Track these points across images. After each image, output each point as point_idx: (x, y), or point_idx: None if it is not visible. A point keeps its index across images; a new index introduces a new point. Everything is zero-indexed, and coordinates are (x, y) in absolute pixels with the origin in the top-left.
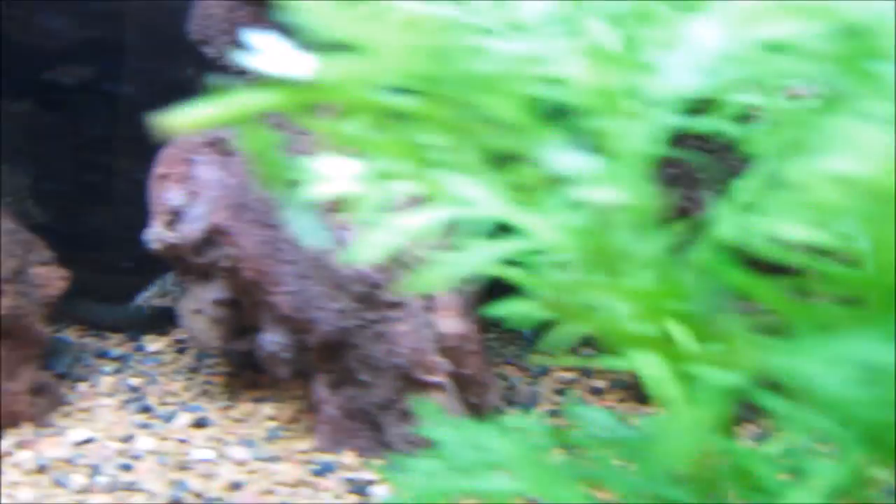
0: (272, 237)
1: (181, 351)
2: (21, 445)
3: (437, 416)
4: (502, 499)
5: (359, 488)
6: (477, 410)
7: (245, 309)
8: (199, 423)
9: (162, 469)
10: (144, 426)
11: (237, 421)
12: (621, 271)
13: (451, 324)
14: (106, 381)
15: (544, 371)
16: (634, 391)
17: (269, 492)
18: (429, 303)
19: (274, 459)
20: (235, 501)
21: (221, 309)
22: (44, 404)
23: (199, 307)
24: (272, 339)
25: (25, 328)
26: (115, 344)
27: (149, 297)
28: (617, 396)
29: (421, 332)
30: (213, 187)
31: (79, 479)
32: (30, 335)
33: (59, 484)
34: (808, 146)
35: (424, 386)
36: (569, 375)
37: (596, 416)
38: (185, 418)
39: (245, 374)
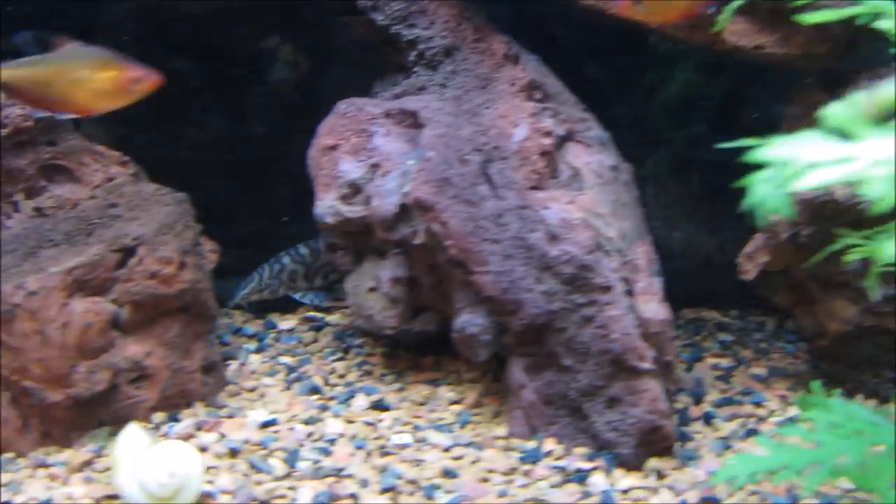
0: (474, 214)
1: (317, 329)
2: (201, 427)
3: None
4: None
5: (577, 477)
6: (669, 399)
7: (422, 288)
8: (379, 406)
9: (362, 454)
10: (324, 408)
11: (419, 404)
12: None
13: (654, 309)
14: (255, 360)
15: (697, 357)
16: (797, 379)
17: (485, 480)
18: (628, 287)
19: (474, 446)
20: (454, 489)
21: (399, 288)
22: (213, 383)
23: (374, 285)
24: (473, 321)
25: (202, 303)
26: (244, 321)
27: (247, 295)
28: (785, 385)
29: (628, 317)
30: (400, 160)
31: (276, 464)
32: (205, 311)
33: (257, 469)
34: None
35: (636, 373)
36: (724, 362)
37: (852, 411)
38: (362, 400)
39: (402, 355)
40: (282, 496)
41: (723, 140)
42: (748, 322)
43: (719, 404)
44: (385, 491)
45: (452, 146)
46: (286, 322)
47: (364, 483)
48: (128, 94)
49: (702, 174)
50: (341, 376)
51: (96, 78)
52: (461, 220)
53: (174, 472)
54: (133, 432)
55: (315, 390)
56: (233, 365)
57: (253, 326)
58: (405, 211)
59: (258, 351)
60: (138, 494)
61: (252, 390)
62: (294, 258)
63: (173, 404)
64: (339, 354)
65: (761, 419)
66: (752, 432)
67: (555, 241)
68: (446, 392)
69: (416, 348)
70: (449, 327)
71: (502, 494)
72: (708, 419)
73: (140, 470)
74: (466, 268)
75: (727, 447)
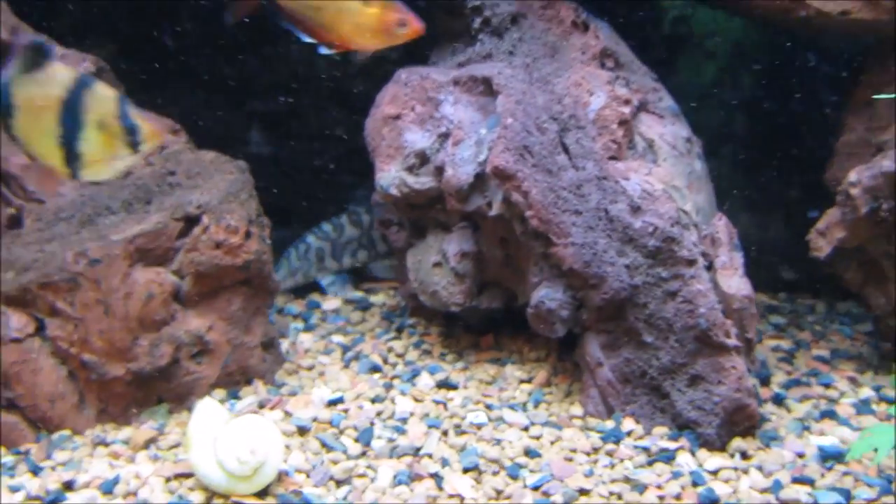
0: (554, 184)
1: (364, 309)
2: (264, 405)
3: None
4: None
5: (664, 457)
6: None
7: (489, 263)
8: (446, 385)
9: (438, 433)
10: (388, 387)
11: (487, 383)
12: None
13: (736, 284)
14: (306, 339)
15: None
16: (861, 361)
17: (568, 459)
18: (707, 262)
19: (552, 425)
20: (539, 469)
21: (466, 262)
22: (271, 360)
23: (439, 260)
24: (551, 296)
25: (264, 276)
26: (286, 301)
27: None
28: (851, 366)
29: (713, 292)
30: (471, 129)
31: (349, 442)
32: (265, 284)
33: (329, 448)
34: None
35: (722, 349)
36: (784, 344)
37: None
38: (427, 379)
39: (460, 335)
40: (361, 475)
41: (750, 126)
42: (797, 305)
43: (787, 386)
44: (468, 470)
45: (530, 114)
46: (330, 302)
47: (444, 462)
48: (390, 35)
49: (732, 156)
50: (399, 355)
51: (363, 12)
52: (542, 190)
53: (255, 449)
54: (208, 406)
55: (375, 369)
56: (284, 344)
57: (296, 306)
58: (480, 181)
59: (307, 330)
60: (215, 472)
61: (310, 368)
62: (318, 236)
63: (234, 381)
64: (393, 334)
65: (833, 401)
66: (827, 414)
67: (638, 212)
68: (514, 371)
69: (477, 327)
70: (514, 305)
71: (589, 475)
72: (779, 400)
73: (218, 446)
74: (547, 239)
75: (805, 428)
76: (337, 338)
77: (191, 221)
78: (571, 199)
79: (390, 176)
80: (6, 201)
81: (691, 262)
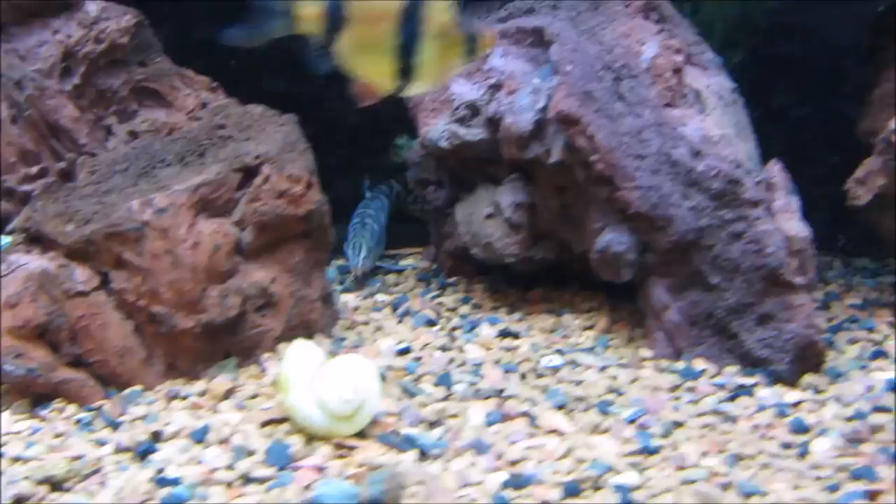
0: (616, 130)
1: (397, 273)
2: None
3: None
4: None
5: (744, 392)
6: None
7: (543, 214)
8: (509, 334)
9: (516, 376)
10: (452, 337)
11: (549, 331)
12: None
13: (796, 226)
14: (350, 299)
15: None
16: (891, 309)
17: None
18: (766, 206)
19: (626, 366)
20: (629, 405)
21: (521, 213)
22: (329, 315)
23: (492, 212)
24: (618, 239)
25: (324, 228)
26: None
27: (365, 262)
28: (887, 312)
29: (778, 232)
30: (524, 79)
31: (429, 387)
32: (325, 237)
33: (411, 393)
34: None
35: (791, 288)
36: (816, 296)
37: None
38: (488, 329)
39: (506, 290)
40: (454, 415)
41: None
42: None
43: (832, 331)
44: (558, 408)
45: (587, 61)
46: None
47: (532, 402)
48: None
49: None
50: (451, 310)
51: None
52: (606, 135)
53: (358, 387)
54: (303, 347)
55: (431, 322)
56: None
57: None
58: (539, 128)
59: (346, 292)
60: (316, 413)
61: (366, 324)
62: (372, 217)
63: (296, 335)
64: (436, 292)
65: (878, 343)
66: (878, 354)
67: (699, 156)
68: (572, 319)
69: (524, 281)
70: (567, 256)
71: (675, 410)
72: (827, 344)
73: (318, 386)
74: (613, 184)
75: (863, 367)
76: (381, 297)
77: (249, 172)
78: (634, 144)
79: (439, 129)
80: (57, 155)
81: (756, 204)
